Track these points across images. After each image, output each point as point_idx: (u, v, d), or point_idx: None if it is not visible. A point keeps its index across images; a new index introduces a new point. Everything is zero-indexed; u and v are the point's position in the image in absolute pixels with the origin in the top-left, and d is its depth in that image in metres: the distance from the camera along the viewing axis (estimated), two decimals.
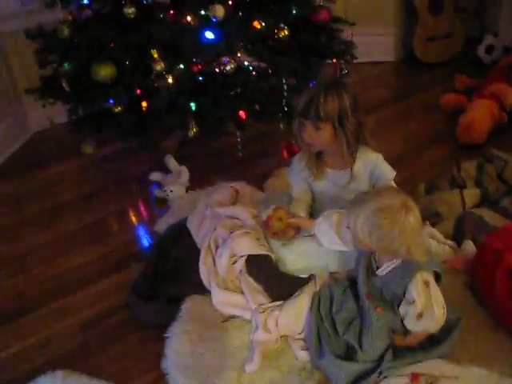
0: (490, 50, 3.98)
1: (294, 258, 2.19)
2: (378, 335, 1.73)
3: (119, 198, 2.99)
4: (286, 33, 2.81)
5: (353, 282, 1.90)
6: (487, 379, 1.67)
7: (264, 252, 2.19)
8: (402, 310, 1.71)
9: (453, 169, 2.69)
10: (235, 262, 2.19)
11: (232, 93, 2.83)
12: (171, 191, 2.84)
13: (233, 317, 2.10)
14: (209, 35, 2.67)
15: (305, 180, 2.25)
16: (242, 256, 2.18)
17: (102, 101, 2.75)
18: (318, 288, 2.02)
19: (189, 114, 2.79)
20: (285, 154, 3.21)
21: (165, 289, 2.21)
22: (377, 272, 1.77)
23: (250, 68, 2.89)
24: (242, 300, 2.11)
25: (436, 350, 1.76)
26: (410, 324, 1.69)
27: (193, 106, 2.81)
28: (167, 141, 3.20)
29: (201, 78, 2.80)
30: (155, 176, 2.99)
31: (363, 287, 1.79)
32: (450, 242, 2.23)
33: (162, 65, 2.62)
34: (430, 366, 1.71)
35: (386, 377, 1.71)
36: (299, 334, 1.96)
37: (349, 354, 1.76)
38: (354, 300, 1.85)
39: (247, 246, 2.18)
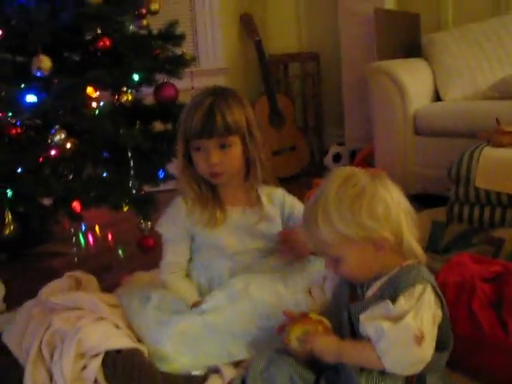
0: (337, 158, 3.86)
1: (179, 346, 1.43)
2: None
3: None
4: (130, 97, 2.26)
5: None
6: None
7: (129, 344, 1.41)
8: (375, 309, 1.14)
9: None
10: (85, 366, 1.37)
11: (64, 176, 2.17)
12: None
13: None
14: (31, 98, 2.05)
15: (188, 233, 1.60)
16: (95, 355, 1.37)
17: None
18: (227, 379, 1.28)
19: (4, 203, 2.04)
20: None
21: None
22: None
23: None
24: None
25: None
26: (385, 325, 1.09)
27: (9, 192, 2.07)
28: None
29: None
30: None
31: None
32: None
33: None
34: None
35: None
36: None
37: None
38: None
39: (102, 337, 1.40)
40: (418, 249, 1.19)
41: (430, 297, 1.13)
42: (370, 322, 1.14)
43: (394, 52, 3.38)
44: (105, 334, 1.41)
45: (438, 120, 2.92)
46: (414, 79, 3.04)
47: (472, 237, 2.10)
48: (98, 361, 1.37)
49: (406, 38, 3.54)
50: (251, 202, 1.62)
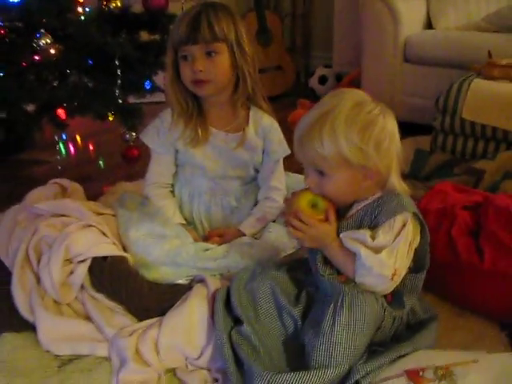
0: (323, 80, 3.81)
1: (163, 257, 1.46)
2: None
3: None
4: (119, 4, 2.19)
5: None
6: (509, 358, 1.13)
7: (116, 252, 1.43)
8: (356, 233, 1.18)
9: None
10: (72, 272, 1.40)
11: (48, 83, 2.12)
12: None
13: (76, 358, 1.28)
14: None
15: (172, 147, 1.59)
16: (81, 261, 1.40)
17: None
18: (212, 289, 1.31)
19: None
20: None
21: None
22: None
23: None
24: (90, 328, 1.32)
25: (421, 337, 1.19)
26: (363, 251, 1.14)
27: None
28: None
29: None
30: None
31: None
32: None
33: None
34: (425, 357, 1.11)
35: None
36: (196, 359, 1.21)
37: (298, 359, 1.11)
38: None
39: (90, 243, 1.42)
40: (401, 185, 1.21)
41: (408, 228, 1.16)
42: (349, 242, 1.17)
43: None
44: (92, 241, 1.43)
45: (429, 48, 2.88)
46: (407, 5, 2.98)
47: (454, 167, 2.15)
48: (84, 266, 1.40)
49: None
50: (236, 126, 1.60)
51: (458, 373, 1.05)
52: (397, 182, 1.21)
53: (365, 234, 1.17)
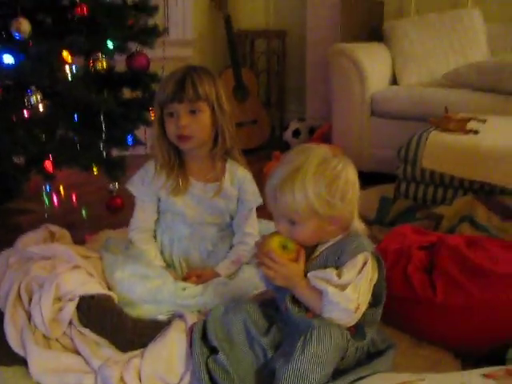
0: (296, 133, 3.99)
1: (145, 295, 1.59)
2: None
3: None
4: (104, 64, 2.36)
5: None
6: (453, 376, 1.28)
7: (102, 291, 1.56)
8: (323, 273, 1.30)
9: None
10: (61, 309, 1.52)
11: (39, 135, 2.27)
12: None
13: None
14: (8, 59, 2.12)
15: (155, 195, 1.74)
16: (70, 300, 1.52)
17: None
18: (190, 323, 1.44)
19: None
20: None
21: None
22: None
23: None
24: (78, 361, 1.44)
25: (379, 363, 1.32)
26: (330, 289, 1.27)
27: None
28: None
29: None
30: None
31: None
32: None
33: None
34: (380, 379, 1.25)
35: None
36: None
37: None
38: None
39: (78, 283, 1.55)
40: (360, 226, 1.37)
41: (369, 266, 1.30)
42: (316, 281, 1.31)
43: (356, 35, 3.54)
44: (80, 281, 1.56)
45: (393, 103, 3.11)
46: (373, 62, 3.22)
47: (416, 212, 2.31)
48: (73, 304, 1.51)
49: (369, 23, 3.70)
50: (214, 177, 1.76)
51: None
52: (358, 223, 1.36)
53: (331, 273, 1.30)
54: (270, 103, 4.41)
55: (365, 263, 1.30)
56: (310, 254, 1.38)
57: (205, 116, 1.67)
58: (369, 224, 2.38)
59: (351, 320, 1.30)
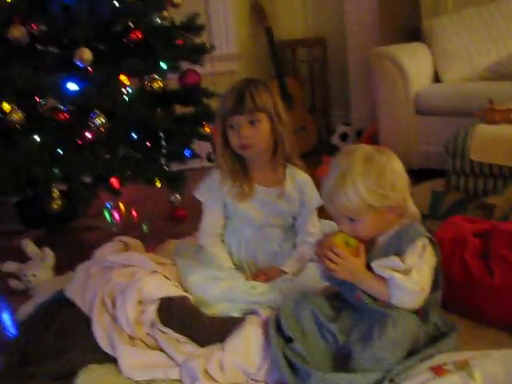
0: (344, 137, 4.07)
1: (219, 299, 1.72)
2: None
3: None
4: (161, 84, 2.52)
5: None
6: None
7: (180, 293, 1.69)
8: (387, 261, 1.40)
9: None
10: (143, 311, 1.65)
11: (103, 155, 2.43)
12: (33, 276, 2.23)
13: (152, 382, 1.52)
14: (72, 86, 2.29)
15: (222, 201, 1.88)
16: (151, 302, 1.66)
17: None
18: (263, 317, 1.56)
19: (52, 181, 2.31)
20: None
21: (43, 367, 1.56)
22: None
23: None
24: (162, 357, 1.57)
25: (443, 344, 1.41)
26: (397, 275, 1.36)
27: (56, 171, 2.33)
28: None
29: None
30: (9, 266, 2.34)
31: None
32: None
33: (20, 115, 2.16)
34: (446, 357, 1.34)
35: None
36: (254, 374, 1.45)
37: (342, 367, 1.35)
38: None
39: (157, 286, 1.68)
40: (415, 209, 1.47)
41: (427, 249, 1.40)
42: (382, 269, 1.41)
43: (395, 36, 3.62)
44: (159, 284, 1.69)
45: (437, 100, 3.18)
46: (414, 62, 3.29)
47: (467, 204, 2.38)
48: (154, 306, 1.65)
49: (407, 23, 3.79)
50: (276, 182, 1.88)
51: (474, 364, 1.27)
52: (412, 208, 1.47)
53: (394, 260, 1.40)
54: (316, 109, 4.51)
55: (424, 248, 1.39)
56: (370, 246, 1.48)
57: (264, 126, 1.79)
58: (422, 218, 2.48)
59: (418, 302, 1.39)
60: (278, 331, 1.48)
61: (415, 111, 3.23)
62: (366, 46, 3.65)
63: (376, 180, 1.38)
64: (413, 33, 3.68)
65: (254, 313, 1.62)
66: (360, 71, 3.90)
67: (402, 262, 1.38)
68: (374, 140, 3.50)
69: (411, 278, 1.36)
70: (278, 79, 4.05)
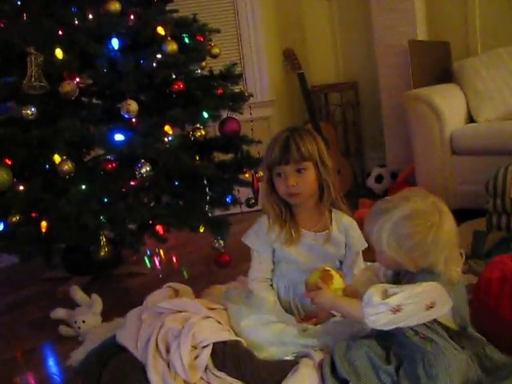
0: (379, 179, 4.09)
1: (271, 342, 1.74)
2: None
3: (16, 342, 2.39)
4: (203, 132, 2.60)
5: None
6: None
7: (233, 337, 1.72)
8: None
9: None
10: (196, 356, 1.68)
11: (147, 201, 2.50)
12: (83, 321, 2.28)
13: None
14: (119, 137, 2.38)
15: (270, 247, 1.92)
16: (204, 347, 1.68)
17: None
18: (317, 360, 1.57)
19: (100, 228, 2.37)
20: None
21: None
22: None
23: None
24: None
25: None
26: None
27: (103, 219, 2.39)
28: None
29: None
30: (59, 313, 2.40)
31: None
32: None
33: (70, 165, 2.24)
34: None
35: None
36: None
37: None
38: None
39: (211, 331, 1.71)
40: (454, 274, 1.47)
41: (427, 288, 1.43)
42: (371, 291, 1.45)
43: (427, 79, 3.67)
44: (212, 329, 1.72)
45: (473, 140, 3.20)
46: (448, 103, 3.32)
47: (510, 242, 2.37)
48: (208, 351, 1.68)
49: (438, 66, 3.84)
50: (322, 226, 1.92)
51: None
52: (450, 270, 1.46)
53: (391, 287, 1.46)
54: (350, 152, 4.55)
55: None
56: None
57: (310, 173, 1.84)
58: (465, 259, 2.47)
59: (390, 321, 1.41)
60: (332, 374, 1.49)
61: (451, 151, 3.25)
62: (399, 88, 3.72)
63: (399, 239, 1.42)
64: (444, 74, 3.73)
65: (306, 355, 1.63)
66: (393, 113, 3.96)
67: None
68: (409, 181, 3.53)
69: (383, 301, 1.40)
70: (312, 124, 4.11)
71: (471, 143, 3.19)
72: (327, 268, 1.73)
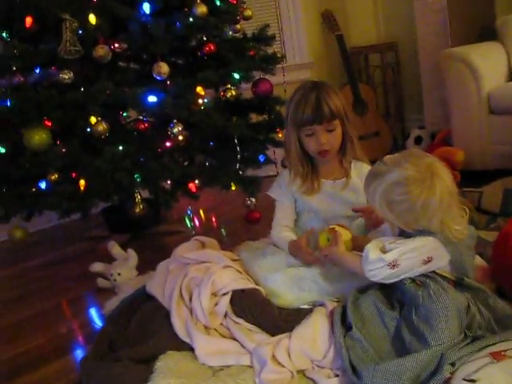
0: (418, 140, 4.05)
1: (287, 285, 1.81)
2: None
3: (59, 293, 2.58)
4: (234, 93, 2.66)
5: None
6: None
7: (251, 285, 1.80)
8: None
9: None
10: (216, 303, 1.77)
11: (181, 160, 2.60)
12: (119, 274, 2.41)
13: (225, 367, 1.63)
14: (151, 98, 2.46)
15: (292, 197, 2.00)
16: (224, 294, 1.78)
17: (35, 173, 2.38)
18: (330, 308, 1.64)
19: (135, 186, 2.48)
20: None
21: (127, 351, 1.70)
22: None
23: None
24: (234, 345, 1.68)
25: (506, 333, 1.44)
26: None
27: (138, 177, 2.50)
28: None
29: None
30: (97, 266, 2.54)
31: None
32: None
33: (104, 126, 2.35)
34: (508, 344, 1.37)
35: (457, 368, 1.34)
36: (320, 360, 1.53)
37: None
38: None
39: (230, 279, 1.80)
40: (454, 234, 1.48)
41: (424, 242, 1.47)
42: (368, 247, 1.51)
43: (468, 37, 3.59)
44: (231, 277, 1.81)
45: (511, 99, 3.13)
46: (487, 62, 3.25)
47: None
48: (227, 298, 1.77)
49: (480, 22, 3.74)
50: (342, 174, 1.98)
51: None
52: (451, 231, 1.47)
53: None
54: (390, 114, 4.52)
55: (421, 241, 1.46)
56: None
57: (339, 131, 1.90)
58: (494, 216, 2.47)
59: (389, 275, 1.47)
60: (342, 321, 1.56)
61: (488, 111, 3.20)
62: (437, 48, 3.64)
63: (388, 205, 1.46)
64: (486, 32, 3.64)
65: (321, 305, 1.70)
66: (432, 74, 3.89)
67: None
68: (447, 142, 3.50)
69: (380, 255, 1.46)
70: (351, 86, 4.11)
71: (509, 102, 3.13)
72: (331, 227, 1.80)
